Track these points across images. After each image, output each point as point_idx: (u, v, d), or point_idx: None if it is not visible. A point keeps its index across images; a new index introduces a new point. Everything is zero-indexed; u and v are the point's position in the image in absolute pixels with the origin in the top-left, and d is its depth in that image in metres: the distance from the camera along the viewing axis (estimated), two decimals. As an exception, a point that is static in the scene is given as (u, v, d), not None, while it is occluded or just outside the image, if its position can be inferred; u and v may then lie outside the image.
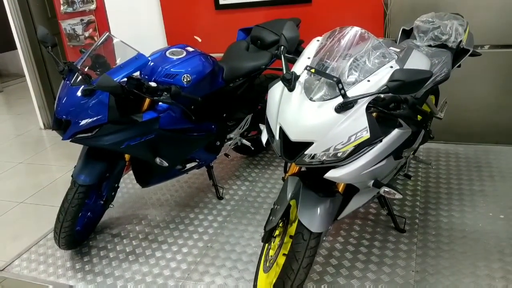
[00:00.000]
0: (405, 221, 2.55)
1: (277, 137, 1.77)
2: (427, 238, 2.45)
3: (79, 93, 2.25)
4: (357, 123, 1.66)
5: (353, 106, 1.64)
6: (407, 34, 2.70)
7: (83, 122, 2.26)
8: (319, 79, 1.72)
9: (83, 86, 2.25)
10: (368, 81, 1.70)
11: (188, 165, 2.86)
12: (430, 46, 2.53)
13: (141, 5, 4.02)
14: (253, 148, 3.24)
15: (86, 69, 2.36)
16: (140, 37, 4.06)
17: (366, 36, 1.79)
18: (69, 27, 3.57)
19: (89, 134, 2.29)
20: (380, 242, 2.45)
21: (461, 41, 2.54)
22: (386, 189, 1.90)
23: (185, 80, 2.51)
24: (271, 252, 2.06)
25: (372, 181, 1.91)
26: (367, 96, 1.64)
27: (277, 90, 1.84)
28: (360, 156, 1.73)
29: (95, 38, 3.63)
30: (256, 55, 3.02)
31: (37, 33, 2.49)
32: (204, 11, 3.92)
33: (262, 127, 2.18)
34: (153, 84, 2.34)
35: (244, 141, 3.16)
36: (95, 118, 2.25)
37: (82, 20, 3.38)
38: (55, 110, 2.33)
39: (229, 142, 3.10)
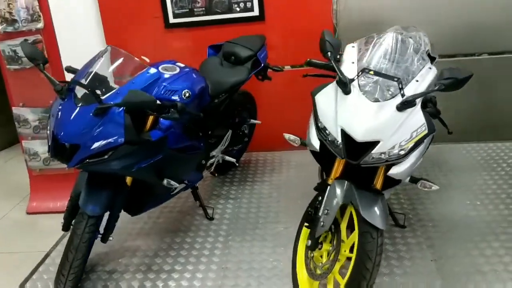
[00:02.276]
0: (405, 217, 2.72)
1: (339, 139, 1.80)
2: (427, 230, 2.64)
3: (88, 114, 2.03)
4: (416, 119, 1.77)
5: (414, 104, 1.74)
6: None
7: (96, 145, 2.03)
8: (374, 81, 1.80)
9: (95, 105, 2.03)
10: (417, 81, 1.82)
11: (179, 187, 2.72)
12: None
13: (85, 25, 3.75)
14: (237, 164, 3.19)
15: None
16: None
17: (404, 39, 1.91)
18: (8, 48, 3.17)
19: (102, 158, 2.06)
20: (389, 239, 2.57)
21: (428, 49, 2.83)
22: (425, 182, 2.02)
23: (185, 96, 2.40)
24: (319, 259, 2.05)
25: (409, 176, 2.03)
26: (425, 94, 1.76)
27: (328, 95, 1.87)
28: (413, 152, 1.84)
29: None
30: (234, 71, 3.01)
31: (22, 49, 2.19)
32: (153, 31, 3.79)
33: (287, 136, 2.19)
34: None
35: (228, 158, 3.10)
36: (110, 140, 2.04)
37: (26, 40, 3.04)
38: (54, 135, 2.06)
39: (211, 160, 3.01)
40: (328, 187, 2.00)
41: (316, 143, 1.94)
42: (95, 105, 2.05)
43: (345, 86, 1.80)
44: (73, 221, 2.23)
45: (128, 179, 2.35)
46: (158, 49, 3.83)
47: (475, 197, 2.94)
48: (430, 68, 1.89)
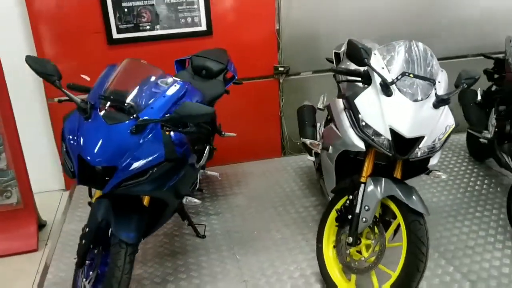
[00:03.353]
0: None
1: (389, 137, 1.95)
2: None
3: (125, 132, 1.87)
4: (447, 115, 2.02)
5: (449, 102, 1.99)
6: (338, 56, 3.17)
7: (135, 165, 1.88)
8: (411, 83, 2.01)
9: (132, 122, 1.88)
10: (439, 82, 2.08)
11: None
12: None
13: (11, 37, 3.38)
14: (220, 178, 3.14)
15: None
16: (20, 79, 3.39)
17: (424, 46, 2.15)
18: None
19: (141, 178, 1.91)
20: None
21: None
22: (435, 172, 2.26)
23: None
24: (358, 255, 2.17)
25: None
26: (456, 92, 2.02)
27: (369, 98, 2.02)
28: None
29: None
30: (209, 84, 3.00)
31: (31, 65, 1.90)
32: (95, 47, 3.54)
33: (308, 141, 2.28)
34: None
35: (210, 172, 3.04)
36: (150, 158, 1.90)
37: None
38: (83, 159, 1.85)
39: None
40: (362, 185, 2.13)
41: (360, 144, 2.06)
42: (132, 122, 1.89)
43: (387, 88, 1.98)
44: (105, 254, 2.01)
45: (146, 201, 2.19)
46: (100, 67, 3.57)
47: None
48: (442, 70, 2.16)
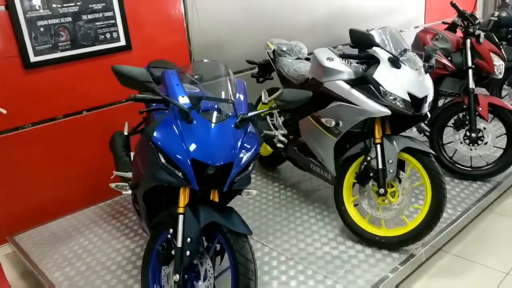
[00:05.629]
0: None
1: (408, 99, 2.49)
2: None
3: (230, 128, 1.93)
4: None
5: (434, 67, 2.65)
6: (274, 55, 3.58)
7: (245, 159, 1.98)
8: (408, 57, 2.58)
9: (232, 119, 1.95)
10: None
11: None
12: (298, 58, 3.57)
13: None
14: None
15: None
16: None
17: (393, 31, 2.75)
18: None
19: (247, 170, 1.98)
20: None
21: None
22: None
23: None
24: (383, 203, 2.65)
25: None
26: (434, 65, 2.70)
27: (384, 71, 2.53)
28: None
29: None
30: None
31: (132, 74, 1.72)
32: (6, 75, 3.08)
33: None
34: None
35: None
36: (253, 150, 2.00)
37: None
38: (199, 160, 1.85)
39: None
40: (378, 145, 2.62)
41: (385, 109, 2.52)
42: (232, 118, 1.94)
43: (397, 62, 2.51)
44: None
45: (216, 196, 2.17)
46: (17, 94, 3.14)
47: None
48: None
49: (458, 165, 3.47)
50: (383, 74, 2.54)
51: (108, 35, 3.49)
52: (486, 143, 3.38)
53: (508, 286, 2.51)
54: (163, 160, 1.87)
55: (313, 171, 3.15)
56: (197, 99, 1.91)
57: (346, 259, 2.61)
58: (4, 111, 3.09)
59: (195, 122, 1.89)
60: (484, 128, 3.37)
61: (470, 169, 3.46)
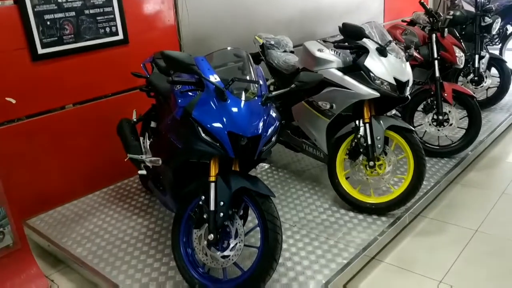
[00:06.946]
0: None
1: (394, 82, 2.89)
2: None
3: (257, 105, 2.24)
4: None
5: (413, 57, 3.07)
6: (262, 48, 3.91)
7: (270, 132, 2.29)
8: (392, 47, 2.99)
9: (259, 97, 2.25)
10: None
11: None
12: (285, 51, 3.92)
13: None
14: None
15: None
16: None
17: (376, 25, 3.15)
18: None
19: (271, 142, 2.31)
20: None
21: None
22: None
23: None
24: (373, 174, 3.05)
25: None
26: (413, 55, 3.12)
27: (374, 60, 2.90)
28: None
29: None
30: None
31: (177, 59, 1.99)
32: (15, 66, 3.24)
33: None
34: None
35: None
36: (275, 124, 2.32)
37: None
38: (235, 132, 2.16)
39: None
40: (366, 124, 3.01)
41: (374, 92, 2.90)
42: (258, 98, 2.25)
43: (384, 51, 2.91)
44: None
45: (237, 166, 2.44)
46: (26, 86, 3.29)
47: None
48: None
49: (427, 145, 3.95)
50: (373, 62, 2.93)
51: (107, 29, 3.69)
52: (451, 125, 3.87)
53: (479, 240, 2.97)
54: (202, 134, 2.16)
55: (306, 151, 3.51)
56: (230, 80, 2.21)
57: (342, 223, 2.99)
58: (13, 101, 3.26)
59: (229, 101, 2.19)
60: (449, 112, 3.86)
61: (438, 147, 3.94)
